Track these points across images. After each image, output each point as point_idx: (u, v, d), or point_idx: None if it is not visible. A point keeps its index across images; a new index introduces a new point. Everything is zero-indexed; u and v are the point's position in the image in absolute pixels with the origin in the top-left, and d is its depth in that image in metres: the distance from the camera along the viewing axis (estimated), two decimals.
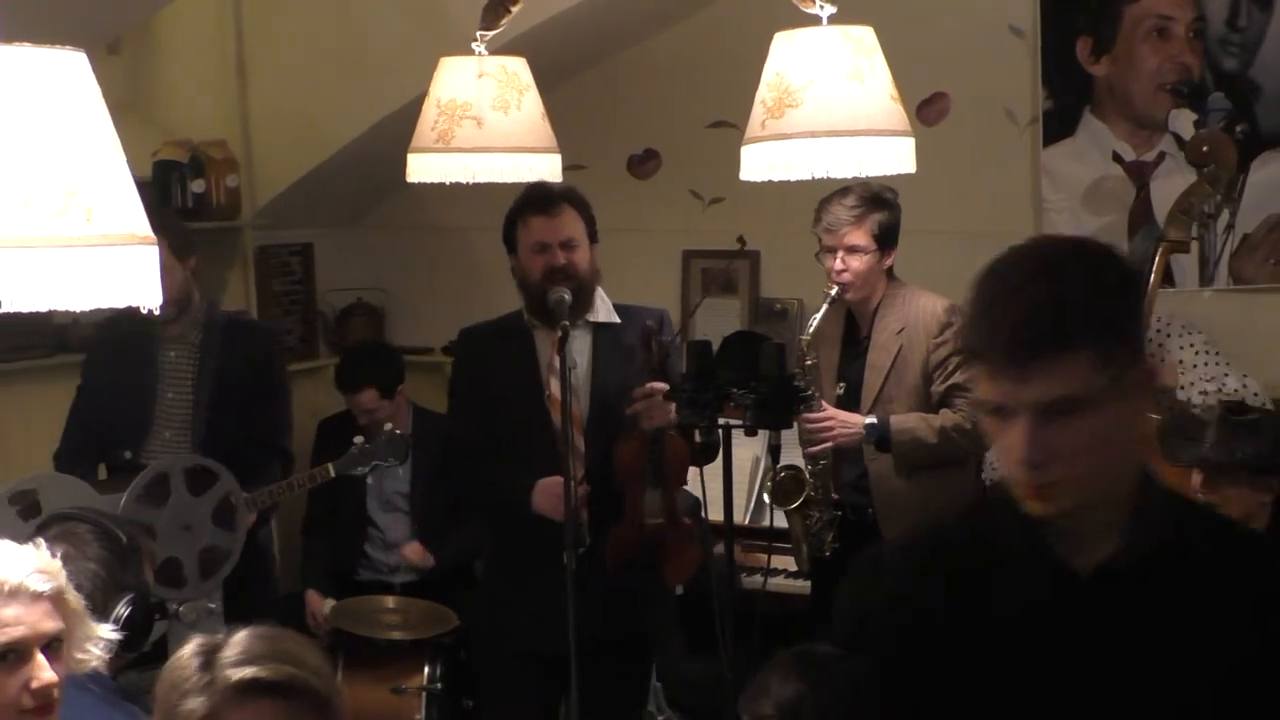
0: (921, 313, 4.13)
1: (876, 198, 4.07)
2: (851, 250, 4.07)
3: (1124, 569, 1.78)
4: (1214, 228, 4.54)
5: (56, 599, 2.31)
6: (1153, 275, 4.17)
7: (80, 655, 2.38)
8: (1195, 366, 4.28)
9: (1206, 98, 4.85)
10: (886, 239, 4.10)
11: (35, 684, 2.26)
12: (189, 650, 1.97)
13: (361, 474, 4.48)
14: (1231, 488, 3.49)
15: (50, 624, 2.29)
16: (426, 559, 5.09)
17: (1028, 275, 1.73)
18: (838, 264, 4.08)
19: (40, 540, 2.44)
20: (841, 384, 4.21)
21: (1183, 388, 4.21)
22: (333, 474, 4.25)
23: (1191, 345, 4.32)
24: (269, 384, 4.50)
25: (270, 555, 4.79)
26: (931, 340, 4.10)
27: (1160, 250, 4.19)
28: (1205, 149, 4.32)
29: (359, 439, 4.35)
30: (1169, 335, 4.33)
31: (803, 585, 4.48)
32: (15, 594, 2.26)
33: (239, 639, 1.98)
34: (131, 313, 4.26)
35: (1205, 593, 1.77)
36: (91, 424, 4.44)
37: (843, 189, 4.05)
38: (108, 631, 2.43)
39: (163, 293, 4.28)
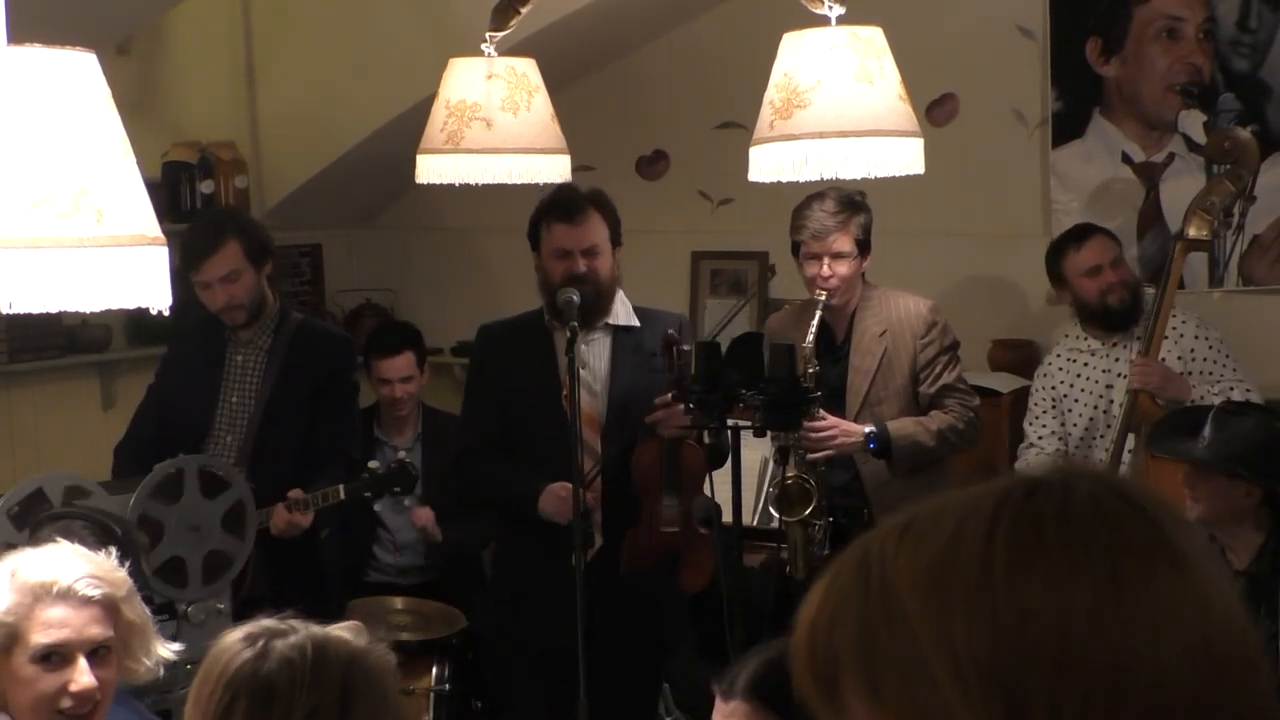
0: (904, 314, 4.08)
1: (853, 201, 4.01)
2: (838, 256, 3.98)
3: None
4: (1234, 227, 4.49)
5: (108, 606, 2.33)
6: (1172, 275, 4.15)
7: (131, 664, 2.40)
8: (1205, 360, 4.26)
9: (1217, 99, 4.83)
10: (866, 243, 4.05)
11: (74, 687, 2.29)
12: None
13: (369, 499, 4.34)
14: (1211, 484, 3.49)
15: (96, 630, 2.31)
16: (436, 531, 5.02)
17: None
18: (825, 270, 3.98)
19: (111, 549, 2.47)
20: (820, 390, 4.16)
21: (1194, 386, 4.19)
22: (343, 496, 4.16)
23: (1206, 340, 4.30)
24: (338, 393, 4.37)
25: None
26: (918, 341, 4.06)
27: (1179, 249, 4.16)
28: (1227, 145, 4.26)
29: (374, 463, 4.25)
30: (1183, 321, 4.31)
31: None
32: (64, 597, 2.29)
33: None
34: (209, 313, 4.28)
35: None
36: (156, 421, 4.38)
37: (817, 194, 3.97)
38: (168, 650, 2.45)
39: (234, 297, 4.31)
